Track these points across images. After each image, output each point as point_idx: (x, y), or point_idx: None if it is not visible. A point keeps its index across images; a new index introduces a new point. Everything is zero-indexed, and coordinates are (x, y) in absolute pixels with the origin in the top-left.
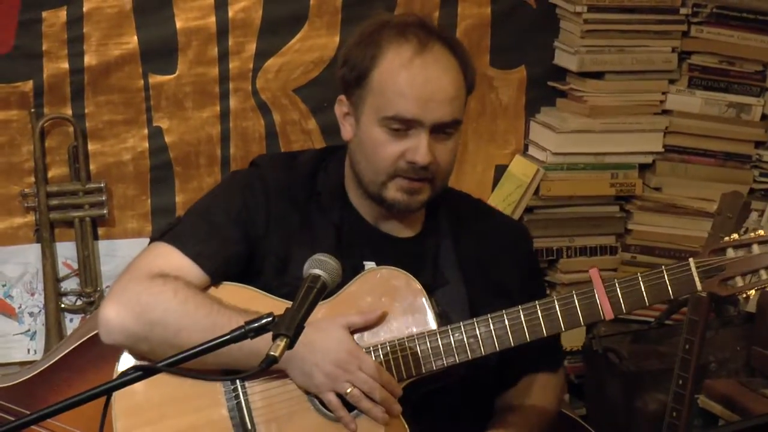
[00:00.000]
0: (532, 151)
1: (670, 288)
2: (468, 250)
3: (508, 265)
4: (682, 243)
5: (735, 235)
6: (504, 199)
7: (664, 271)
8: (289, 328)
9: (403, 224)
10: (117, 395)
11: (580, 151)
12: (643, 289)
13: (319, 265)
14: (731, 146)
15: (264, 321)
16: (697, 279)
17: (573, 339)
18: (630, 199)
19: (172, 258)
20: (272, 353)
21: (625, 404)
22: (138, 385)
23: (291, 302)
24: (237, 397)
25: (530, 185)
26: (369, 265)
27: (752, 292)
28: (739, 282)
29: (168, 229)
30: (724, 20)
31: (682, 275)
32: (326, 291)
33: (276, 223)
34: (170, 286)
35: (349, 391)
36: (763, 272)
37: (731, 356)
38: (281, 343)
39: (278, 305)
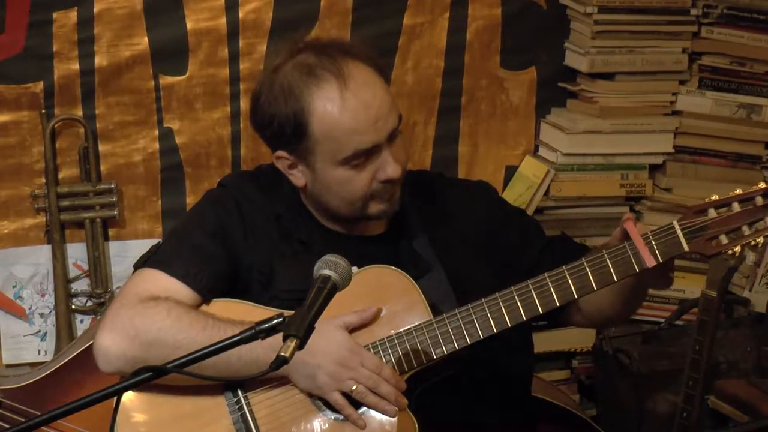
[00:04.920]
0: (542, 151)
1: (658, 252)
2: (438, 227)
3: (481, 225)
4: None
5: (715, 196)
6: (514, 200)
7: (651, 237)
8: (299, 328)
9: (372, 223)
10: (119, 422)
11: (591, 151)
12: (632, 258)
13: (330, 266)
14: (742, 147)
15: (275, 321)
16: (683, 240)
17: (583, 340)
18: (640, 200)
19: (159, 281)
20: (283, 354)
21: (635, 405)
22: (140, 409)
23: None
24: (240, 408)
25: (540, 186)
26: (352, 269)
27: (737, 248)
28: (724, 240)
29: (150, 256)
30: (734, 21)
31: (668, 238)
32: (336, 292)
33: (253, 237)
34: (162, 306)
35: (354, 388)
36: (745, 228)
37: (741, 357)
38: (291, 343)
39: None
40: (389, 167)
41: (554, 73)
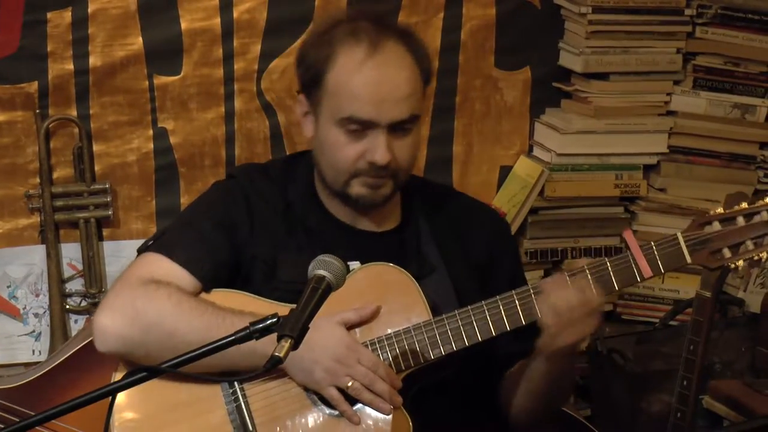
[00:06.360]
0: (536, 152)
1: (660, 262)
2: (446, 236)
3: (490, 251)
4: None
5: (720, 209)
6: (509, 200)
7: (654, 248)
8: (294, 328)
9: (381, 218)
10: (114, 409)
11: (585, 152)
12: (633, 267)
13: (324, 266)
14: (736, 147)
15: (269, 322)
16: (686, 252)
17: None
18: (635, 200)
19: (162, 266)
20: (277, 354)
21: (629, 405)
22: (135, 396)
23: (284, 304)
24: (236, 399)
25: (535, 186)
26: (354, 265)
27: (740, 262)
28: (727, 254)
29: (154, 240)
30: (728, 21)
31: (671, 249)
32: (331, 292)
33: (260, 229)
34: (164, 290)
35: (350, 384)
36: (749, 243)
37: (736, 357)
38: (286, 344)
39: (273, 308)
40: (378, 152)
41: (548, 73)
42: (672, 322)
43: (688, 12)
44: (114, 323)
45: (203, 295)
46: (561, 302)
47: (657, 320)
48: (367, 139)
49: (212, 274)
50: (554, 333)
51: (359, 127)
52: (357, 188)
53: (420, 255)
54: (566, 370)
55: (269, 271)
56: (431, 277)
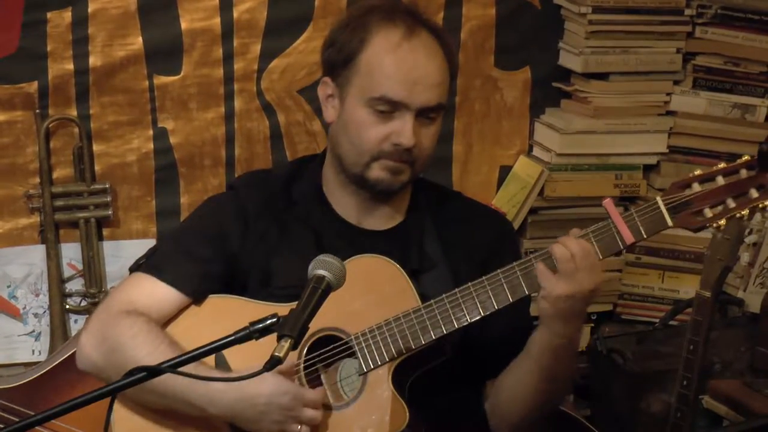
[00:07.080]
0: (536, 151)
1: (642, 228)
2: (450, 234)
3: (491, 251)
4: (687, 244)
5: (698, 171)
6: (509, 200)
7: (634, 214)
8: (293, 328)
9: (386, 216)
10: (116, 417)
11: (585, 152)
12: (615, 236)
13: (324, 266)
14: (736, 147)
15: (269, 322)
16: (666, 215)
17: None
18: (634, 200)
19: (147, 287)
20: (277, 354)
21: (629, 405)
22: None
23: (280, 305)
24: None
25: (535, 186)
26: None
27: (722, 221)
28: (708, 213)
29: (146, 259)
30: (728, 21)
31: (652, 214)
32: (331, 292)
33: (254, 239)
34: (128, 321)
35: (299, 429)
36: (730, 201)
37: (735, 357)
38: (285, 343)
39: (270, 310)
40: (405, 134)
41: (548, 73)
42: (672, 322)
43: (687, 12)
44: (87, 344)
45: (193, 307)
46: (561, 251)
47: (657, 320)
48: (394, 121)
49: (202, 288)
50: (553, 284)
51: (388, 108)
52: (377, 171)
53: (422, 250)
54: (568, 342)
55: (265, 279)
56: (431, 272)
